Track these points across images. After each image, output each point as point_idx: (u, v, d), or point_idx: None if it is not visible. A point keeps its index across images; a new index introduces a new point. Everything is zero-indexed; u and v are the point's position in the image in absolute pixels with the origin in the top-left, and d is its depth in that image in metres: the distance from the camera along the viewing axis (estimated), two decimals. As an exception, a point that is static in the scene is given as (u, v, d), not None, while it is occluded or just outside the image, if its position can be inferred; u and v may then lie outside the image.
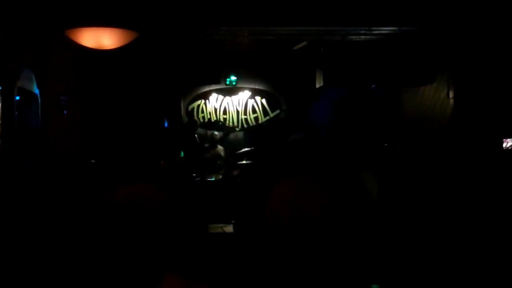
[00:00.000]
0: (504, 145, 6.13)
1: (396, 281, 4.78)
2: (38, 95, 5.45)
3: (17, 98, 4.72)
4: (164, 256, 1.83)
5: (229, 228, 5.42)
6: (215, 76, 8.74)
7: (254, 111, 10.30)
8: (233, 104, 10.28)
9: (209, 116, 10.20)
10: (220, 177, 8.23)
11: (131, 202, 1.86)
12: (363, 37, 7.09)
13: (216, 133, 9.79)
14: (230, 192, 7.64)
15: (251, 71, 10.05)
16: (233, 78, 9.92)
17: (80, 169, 6.80)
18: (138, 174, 3.75)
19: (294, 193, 3.18)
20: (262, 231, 3.35)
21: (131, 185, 3.35)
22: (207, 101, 10.23)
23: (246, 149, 8.67)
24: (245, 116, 10.28)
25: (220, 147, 9.27)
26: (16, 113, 4.65)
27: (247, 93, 10.28)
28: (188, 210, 1.95)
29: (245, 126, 10.25)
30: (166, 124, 8.90)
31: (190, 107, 10.20)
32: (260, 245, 3.32)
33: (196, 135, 8.89)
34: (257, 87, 10.30)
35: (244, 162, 8.39)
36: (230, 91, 10.20)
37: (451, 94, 7.02)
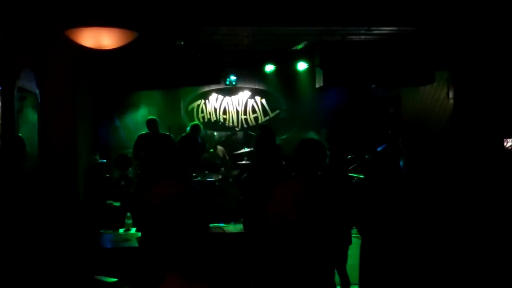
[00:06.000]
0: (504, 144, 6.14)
1: (396, 280, 4.77)
2: (38, 95, 5.45)
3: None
4: (166, 255, 1.84)
5: (229, 228, 5.42)
6: (215, 76, 8.70)
7: (254, 111, 10.29)
8: (233, 104, 10.27)
9: (209, 116, 10.19)
10: (220, 177, 8.23)
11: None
12: (363, 37, 7.09)
13: (215, 133, 9.77)
14: (230, 192, 7.65)
15: (251, 71, 10.04)
16: (233, 78, 9.90)
17: (87, 168, 6.80)
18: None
19: (294, 191, 3.35)
20: (266, 226, 3.45)
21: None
22: (207, 101, 10.22)
23: (246, 149, 8.68)
24: (245, 116, 10.27)
25: (220, 147, 9.26)
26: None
27: (247, 93, 10.28)
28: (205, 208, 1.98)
29: (245, 126, 10.24)
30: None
31: (190, 107, 10.19)
32: (264, 239, 3.34)
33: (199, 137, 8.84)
34: (257, 87, 10.29)
35: (244, 162, 8.39)
36: (230, 91, 10.19)
37: (451, 94, 7.02)
